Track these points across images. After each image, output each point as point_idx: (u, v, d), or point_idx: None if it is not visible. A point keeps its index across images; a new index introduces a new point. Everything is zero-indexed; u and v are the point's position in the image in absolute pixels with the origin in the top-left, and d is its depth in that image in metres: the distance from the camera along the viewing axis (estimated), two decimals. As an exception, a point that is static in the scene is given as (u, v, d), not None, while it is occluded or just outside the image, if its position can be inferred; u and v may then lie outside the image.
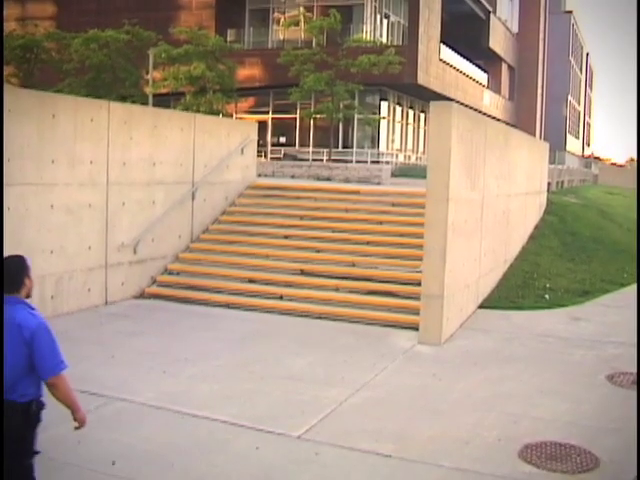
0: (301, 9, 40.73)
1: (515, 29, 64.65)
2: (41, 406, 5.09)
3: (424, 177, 12.54)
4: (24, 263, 5.22)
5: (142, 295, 14.31)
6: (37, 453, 5.08)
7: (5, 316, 4.86)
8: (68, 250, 12.57)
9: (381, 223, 15.92)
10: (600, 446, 7.26)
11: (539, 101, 66.92)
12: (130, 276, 14.15)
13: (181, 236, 15.71)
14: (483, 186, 13.34)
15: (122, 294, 13.92)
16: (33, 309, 5.05)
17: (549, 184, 24.62)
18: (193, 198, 16.05)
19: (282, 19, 41.94)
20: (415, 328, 11.59)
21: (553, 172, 28.30)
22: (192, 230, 16.15)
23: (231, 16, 42.53)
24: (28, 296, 5.12)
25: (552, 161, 30.75)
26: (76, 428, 5.23)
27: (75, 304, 12.77)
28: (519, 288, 14.96)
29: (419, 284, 11.79)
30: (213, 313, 13.09)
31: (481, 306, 13.74)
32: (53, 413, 7.70)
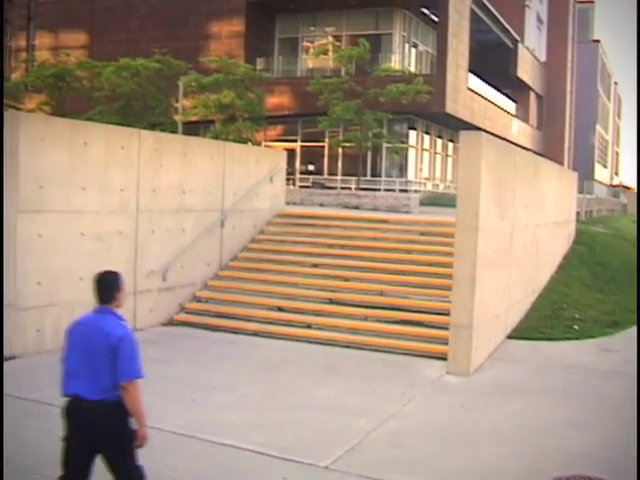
0: (330, 38, 40.89)
1: (543, 58, 64.56)
2: (124, 405, 5.51)
3: (452, 206, 12.52)
4: (117, 279, 5.95)
5: (170, 322, 14.35)
6: (134, 433, 5.57)
7: (94, 324, 5.69)
8: (98, 277, 12.63)
9: (410, 252, 15.89)
10: (632, 481, 7.16)
11: (567, 130, 66.66)
12: (159, 303, 14.20)
13: (210, 264, 15.76)
14: (512, 216, 13.29)
15: (150, 321, 13.97)
16: (122, 320, 5.72)
17: (578, 213, 24.48)
18: (222, 226, 16.11)
19: (311, 48, 42.15)
20: (443, 358, 11.52)
21: (582, 201, 28.15)
22: (221, 258, 16.20)
23: (260, 45, 42.84)
24: (119, 307, 5.86)
25: (580, 190, 30.59)
26: (136, 446, 5.53)
27: (104, 331, 12.81)
28: (548, 318, 14.82)
29: (448, 314, 11.73)
30: (241, 341, 13.09)
31: (510, 336, 13.63)
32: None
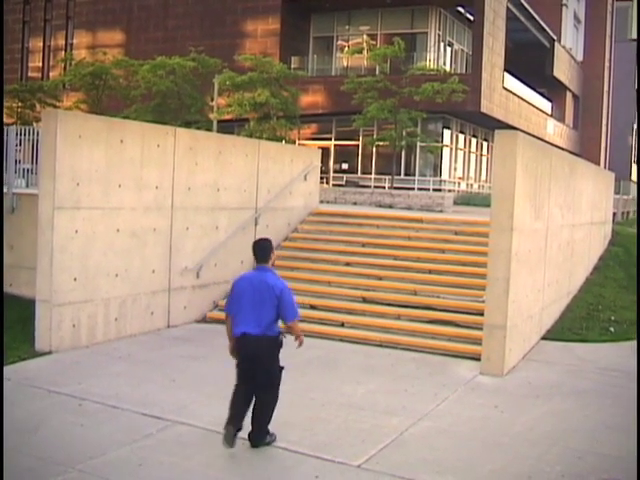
0: (365, 37, 40.90)
1: (580, 57, 63.96)
2: (282, 337, 7.74)
3: (487, 205, 12.45)
4: (270, 244, 7.92)
5: (204, 319, 14.41)
6: (282, 368, 7.80)
7: (258, 278, 7.71)
8: (132, 273, 12.73)
9: (444, 252, 15.82)
10: (668, 485, 7.06)
11: (604, 130, 65.98)
12: (193, 300, 14.26)
13: (243, 262, 15.78)
14: (547, 216, 13.18)
15: (184, 318, 14.04)
16: (277, 275, 7.81)
17: (614, 214, 24.21)
18: (256, 224, 16.15)
19: (346, 47, 42.11)
20: (477, 358, 11.46)
21: (618, 202, 27.85)
22: (254, 255, 16.21)
23: (295, 44, 42.89)
24: (273, 265, 7.90)
25: (617, 191, 30.25)
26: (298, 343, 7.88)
27: (138, 327, 12.91)
28: (583, 320, 14.69)
29: (481, 314, 11.66)
30: (274, 339, 13.10)
31: (544, 337, 13.53)
32: (114, 437, 7.79)
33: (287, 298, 7.65)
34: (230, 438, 7.45)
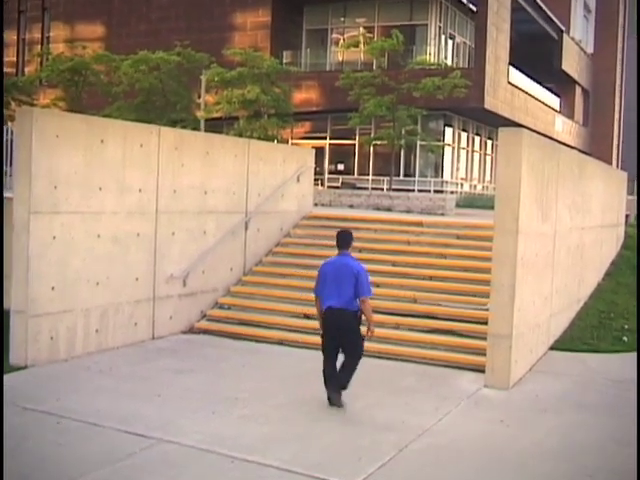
0: (361, 30, 40.92)
1: (590, 50, 64.07)
2: (361, 314, 9.70)
3: (491, 208, 12.47)
4: (351, 235, 10.10)
5: (191, 330, 14.41)
6: (364, 338, 9.87)
7: (341, 262, 9.85)
8: (114, 281, 12.73)
9: (445, 257, 15.84)
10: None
11: (616, 127, 66.10)
12: (179, 310, 14.27)
13: (233, 268, 15.81)
14: (555, 218, 13.21)
15: (170, 328, 14.04)
16: (355, 259, 9.96)
17: (627, 216, 24.26)
18: (246, 228, 16.17)
19: (341, 40, 42.19)
20: (481, 370, 11.47)
21: (631, 204, 27.90)
22: (245, 262, 16.25)
23: (287, 37, 42.95)
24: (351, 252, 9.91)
25: (630, 192, 30.34)
26: (368, 337, 9.84)
27: (121, 338, 12.91)
28: (594, 329, 14.71)
29: (485, 323, 11.67)
30: (266, 350, 13.13)
31: (552, 348, 13.55)
32: (94, 457, 7.79)
33: (363, 278, 9.63)
34: (335, 400, 9.70)
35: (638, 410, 9.48)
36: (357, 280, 9.59)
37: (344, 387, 9.81)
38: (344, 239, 10.03)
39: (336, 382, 9.74)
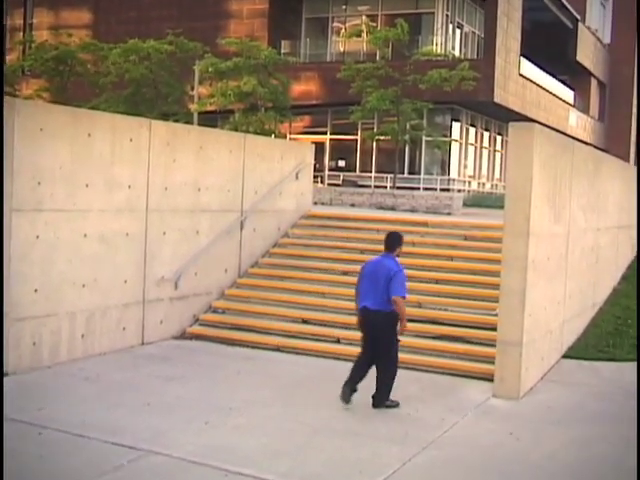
0: (364, 18, 40.96)
1: (607, 40, 63.98)
2: (396, 314, 10.14)
3: (500, 207, 12.48)
4: (398, 238, 10.61)
5: (183, 335, 14.42)
6: (399, 340, 10.36)
7: (381, 263, 10.38)
8: (102, 284, 12.73)
9: (452, 259, 15.85)
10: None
11: (634, 122, 65.99)
12: (170, 314, 14.27)
13: (227, 270, 15.81)
14: (569, 219, 13.22)
15: (161, 334, 14.05)
16: (396, 261, 10.37)
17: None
18: (242, 228, 16.17)
19: (342, 29, 42.20)
20: (489, 379, 11.47)
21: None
22: (240, 264, 16.26)
23: (286, 26, 42.94)
24: (398, 255, 10.51)
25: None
26: (400, 333, 10.30)
27: (108, 344, 12.91)
28: (610, 336, 14.70)
29: (494, 329, 11.68)
30: (262, 357, 13.14)
31: (566, 356, 13.54)
32: (79, 470, 7.78)
33: (398, 279, 10.13)
34: (345, 396, 10.20)
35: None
36: (392, 281, 10.08)
37: (380, 399, 10.30)
38: (389, 240, 10.58)
39: (356, 377, 10.33)
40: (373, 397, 10.29)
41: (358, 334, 13.53)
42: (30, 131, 11.35)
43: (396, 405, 10.31)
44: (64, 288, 12.06)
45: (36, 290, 11.55)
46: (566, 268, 13.24)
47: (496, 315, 11.80)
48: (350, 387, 10.22)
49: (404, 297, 10.16)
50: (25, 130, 11.28)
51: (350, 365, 12.50)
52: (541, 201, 11.59)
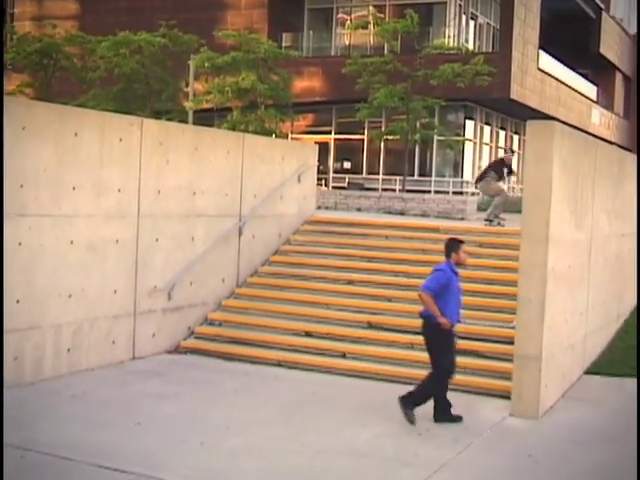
0: (371, 9, 40.97)
1: (633, 30, 63.74)
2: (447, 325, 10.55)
3: (518, 212, 12.47)
4: (452, 244, 10.89)
5: (177, 349, 14.42)
6: (448, 351, 10.68)
7: (435, 268, 10.83)
8: (89, 294, 12.72)
9: (465, 267, 15.78)
10: None
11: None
12: (163, 326, 14.26)
13: (225, 279, 15.80)
14: (591, 224, 13.20)
15: (153, 347, 14.04)
16: (449, 265, 10.77)
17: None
18: (240, 234, 16.17)
19: (348, 21, 42.22)
20: (506, 396, 11.45)
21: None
22: (238, 272, 16.25)
23: (287, 17, 42.99)
24: (458, 263, 10.88)
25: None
26: (443, 328, 10.51)
27: (96, 359, 12.90)
28: (636, 350, 14.68)
29: (511, 342, 11.67)
30: (261, 372, 13.13)
31: (588, 371, 13.52)
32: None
33: (433, 274, 10.72)
34: (404, 411, 10.41)
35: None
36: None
37: (413, 403, 10.53)
38: (445, 247, 10.97)
39: (409, 396, 10.55)
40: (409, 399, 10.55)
41: (365, 348, 13.66)
42: (12, 130, 11.31)
43: (456, 420, 10.57)
44: (49, 299, 12.05)
45: (18, 301, 11.51)
46: (588, 277, 13.22)
47: (513, 328, 11.78)
48: (403, 402, 10.50)
49: (428, 290, 10.50)
50: (6, 129, 11.22)
51: (357, 382, 12.58)
52: (561, 205, 11.58)
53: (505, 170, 21.05)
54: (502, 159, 21.94)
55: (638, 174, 13.13)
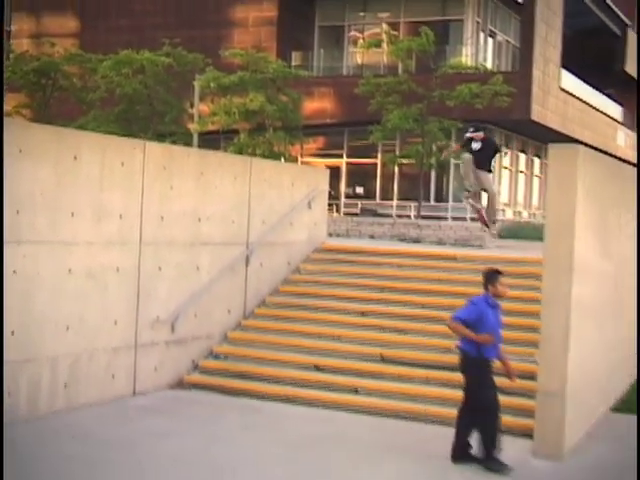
0: (384, 26, 41.11)
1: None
2: (480, 357, 10.39)
3: (539, 239, 12.43)
4: (489, 276, 10.71)
5: (180, 384, 14.37)
6: (491, 391, 10.49)
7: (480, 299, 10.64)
8: (88, 325, 12.70)
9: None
10: None
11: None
12: (166, 360, 14.24)
13: (231, 310, 15.78)
14: (618, 253, 13.16)
15: (155, 382, 14.00)
16: (488, 297, 10.58)
17: None
18: (247, 263, 16.17)
19: (360, 39, 42.39)
20: (528, 435, 11.37)
21: None
22: (245, 303, 16.24)
23: (297, 35, 43.14)
24: (497, 295, 10.60)
25: None
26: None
27: (95, 394, 12.86)
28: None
29: (533, 377, 11.61)
30: (269, 408, 13.08)
31: (616, 409, 13.45)
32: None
33: (464, 307, 10.70)
34: (456, 458, 10.46)
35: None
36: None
37: (486, 455, 10.33)
38: (482, 278, 10.86)
39: (459, 441, 10.57)
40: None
41: (378, 383, 13.60)
42: (8, 153, 11.30)
43: (500, 470, 10.18)
44: (45, 330, 12.02)
45: (13, 332, 11.46)
46: (616, 308, 13.17)
47: (535, 362, 11.73)
48: (453, 448, 10.53)
49: (458, 321, 10.48)
50: (2, 151, 11.27)
51: (369, 420, 12.52)
52: (586, 233, 11.54)
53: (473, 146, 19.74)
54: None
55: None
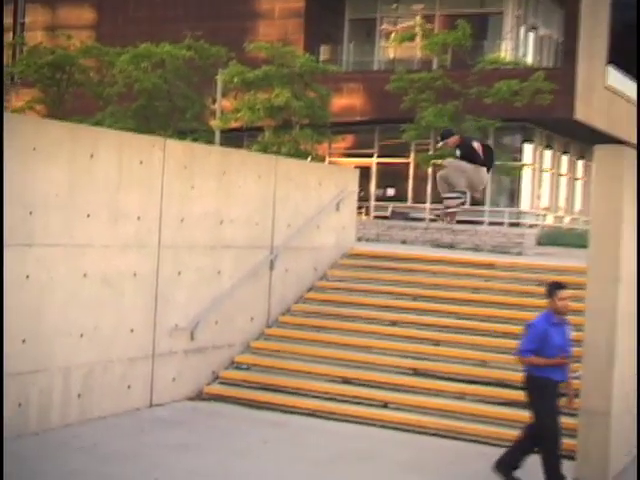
0: (418, 19, 40.93)
1: None
2: (541, 377, 10.15)
3: (583, 247, 12.35)
4: (549, 287, 10.53)
5: (200, 396, 14.39)
6: (554, 417, 10.20)
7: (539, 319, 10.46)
8: (103, 333, 12.72)
9: (523, 308, 15.67)
10: None
11: None
12: (185, 370, 14.24)
13: (254, 318, 15.77)
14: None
15: (173, 393, 14.01)
16: (550, 315, 10.35)
17: None
18: (272, 268, 16.16)
19: (393, 32, 42.31)
20: (570, 457, 11.27)
21: None
22: (269, 310, 16.23)
23: (325, 28, 43.13)
24: (558, 312, 10.32)
25: None
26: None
27: (110, 406, 12.88)
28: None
29: (576, 395, 11.52)
30: (293, 423, 13.07)
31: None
32: None
33: (526, 332, 10.38)
34: (498, 470, 10.28)
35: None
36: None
37: None
38: (545, 292, 10.63)
39: (506, 460, 10.41)
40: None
41: (409, 397, 13.56)
42: (20, 151, 11.37)
43: None
44: (58, 338, 12.04)
45: (24, 341, 11.51)
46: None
47: (578, 378, 11.63)
48: (497, 468, 10.37)
49: (528, 355, 10.22)
50: (15, 149, 11.28)
51: (400, 436, 12.48)
52: (633, 240, 11.45)
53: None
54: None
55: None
